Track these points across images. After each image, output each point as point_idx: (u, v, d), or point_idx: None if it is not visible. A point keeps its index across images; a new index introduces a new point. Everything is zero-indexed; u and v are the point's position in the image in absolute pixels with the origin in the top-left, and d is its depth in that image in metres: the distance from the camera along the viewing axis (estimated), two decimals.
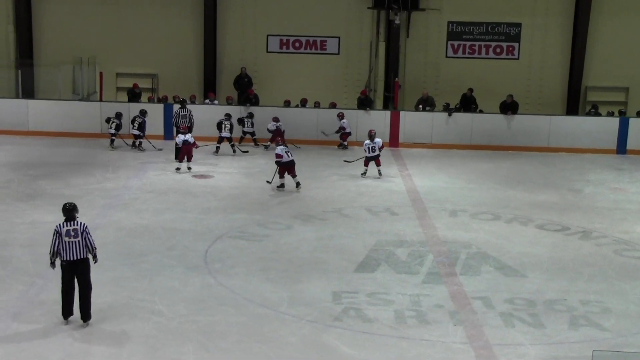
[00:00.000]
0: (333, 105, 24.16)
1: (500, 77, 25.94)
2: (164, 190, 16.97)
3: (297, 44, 26.32)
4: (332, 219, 15.18)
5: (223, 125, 21.21)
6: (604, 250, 13.71)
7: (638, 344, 9.82)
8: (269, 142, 21.94)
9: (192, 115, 21.40)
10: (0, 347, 9.09)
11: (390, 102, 24.93)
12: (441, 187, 18.32)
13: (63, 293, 9.76)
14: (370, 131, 19.25)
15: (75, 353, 9.03)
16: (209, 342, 9.41)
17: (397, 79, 24.78)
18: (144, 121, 21.41)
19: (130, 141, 21.62)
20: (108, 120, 21.83)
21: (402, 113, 23.62)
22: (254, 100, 23.78)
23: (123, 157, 20.46)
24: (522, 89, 25.69)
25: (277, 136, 21.11)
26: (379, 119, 23.26)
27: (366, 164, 18.89)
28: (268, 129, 22.12)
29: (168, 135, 22.41)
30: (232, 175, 18.84)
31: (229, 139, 21.26)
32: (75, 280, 9.72)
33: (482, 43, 26.21)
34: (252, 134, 22.57)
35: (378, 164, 18.84)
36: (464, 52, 26.27)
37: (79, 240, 9.64)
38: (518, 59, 26.23)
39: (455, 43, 26.25)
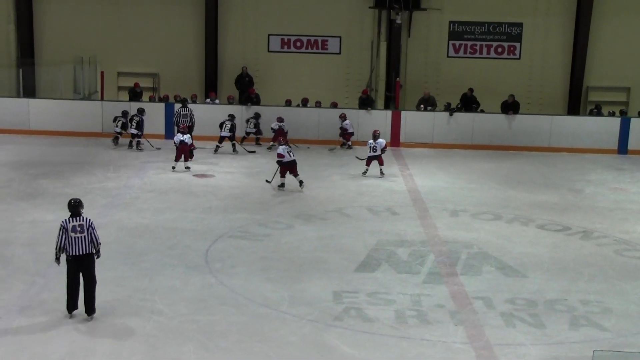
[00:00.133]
0: (334, 105, 24.15)
1: (501, 77, 25.94)
2: (164, 189, 16.97)
3: (298, 44, 26.32)
4: (333, 218, 15.18)
5: (224, 125, 21.23)
6: (605, 251, 13.70)
7: (638, 344, 9.81)
8: (271, 142, 21.95)
9: (193, 115, 21.41)
10: (2, 345, 9.09)
11: (392, 102, 24.93)
12: (442, 187, 18.31)
13: (68, 287, 9.88)
14: (374, 131, 19.29)
15: (75, 351, 9.03)
16: (210, 341, 9.41)
17: (398, 78, 24.78)
18: (142, 120, 21.39)
19: (128, 140, 21.60)
20: (115, 120, 21.81)
21: (403, 113, 23.62)
22: (255, 100, 23.77)
23: (124, 157, 20.47)
24: (524, 88, 25.69)
25: (279, 136, 21.15)
26: (380, 118, 23.27)
27: (368, 164, 18.91)
28: (272, 128, 22.16)
29: (169, 134, 22.40)
30: (233, 174, 18.84)
31: (230, 138, 21.27)
32: (80, 275, 9.84)
33: (484, 43, 26.21)
34: (255, 133, 22.58)
35: (381, 164, 18.86)
36: (465, 52, 26.27)
37: (84, 236, 9.77)
38: (519, 58, 26.23)
39: (457, 43, 26.25)
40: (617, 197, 17.93)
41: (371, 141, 18.88)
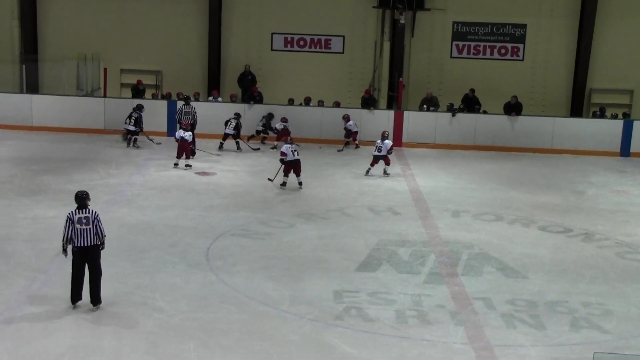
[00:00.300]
0: (337, 104, 24.16)
1: (504, 78, 25.91)
2: (166, 187, 16.98)
3: (301, 42, 26.32)
4: (334, 217, 15.18)
5: (229, 123, 21.28)
6: (606, 253, 13.70)
7: (639, 347, 9.81)
8: (275, 142, 21.97)
9: (195, 113, 21.41)
10: (3, 340, 9.10)
11: (394, 102, 24.91)
12: (444, 187, 18.31)
13: (73, 278, 10.05)
14: (383, 132, 19.42)
15: (77, 347, 9.04)
16: (210, 339, 9.42)
17: (401, 78, 24.75)
18: (140, 116, 21.34)
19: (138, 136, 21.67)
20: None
21: (405, 113, 23.60)
22: (257, 98, 23.78)
23: (126, 154, 20.47)
24: (526, 90, 25.67)
25: (283, 136, 21.18)
26: (383, 118, 23.26)
27: (372, 164, 18.93)
28: (275, 128, 22.18)
29: (171, 132, 22.38)
30: (235, 172, 18.85)
31: (234, 136, 21.30)
32: (86, 266, 10.02)
33: (487, 44, 26.18)
34: (263, 132, 22.60)
35: (387, 164, 18.92)
36: (468, 53, 26.24)
37: (90, 228, 9.97)
38: (522, 60, 26.20)
39: (460, 43, 26.23)
40: (619, 199, 17.92)
41: (379, 141, 18.94)
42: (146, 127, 21.54)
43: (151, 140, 21.55)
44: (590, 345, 9.54)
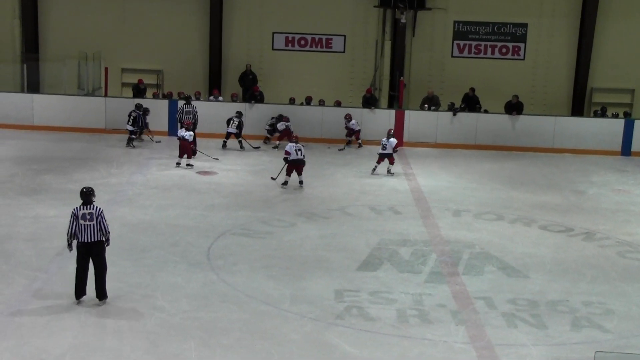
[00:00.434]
0: (338, 104, 24.15)
1: (505, 77, 25.90)
2: (167, 186, 16.98)
3: (302, 42, 26.31)
4: (335, 217, 15.18)
5: (231, 122, 21.31)
6: (607, 252, 13.69)
7: None
8: (277, 142, 21.97)
9: (196, 112, 21.40)
10: (4, 340, 9.11)
11: (395, 101, 24.91)
12: (445, 186, 18.31)
13: (77, 273, 10.16)
14: (388, 130, 19.51)
15: (77, 346, 9.04)
16: (211, 338, 9.42)
17: (402, 77, 24.76)
18: (139, 116, 21.32)
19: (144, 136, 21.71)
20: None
21: (406, 112, 23.60)
22: (258, 98, 23.78)
23: (127, 153, 20.47)
24: (528, 89, 25.66)
25: (285, 135, 21.19)
26: (384, 117, 23.26)
27: (378, 162, 18.96)
28: (277, 128, 22.18)
29: (172, 131, 22.40)
30: (236, 172, 18.84)
31: (236, 135, 21.33)
32: (91, 261, 10.16)
33: (488, 43, 26.17)
34: (268, 132, 22.63)
35: (391, 163, 18.93)
36: (469, 52, 26.23)
37: (93, 224, 10.10)
38: (524, 59, 26.18)
39: (461, 43, 26.21)
40: (620, 198, 17.92)
41: (384, 139, 18.96)
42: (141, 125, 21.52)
43: (151, 139, 21.54)
44: (592, 345, 9.54)
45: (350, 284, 11.50)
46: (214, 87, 25.51)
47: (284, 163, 17.38)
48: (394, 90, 25.26)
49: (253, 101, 23.50)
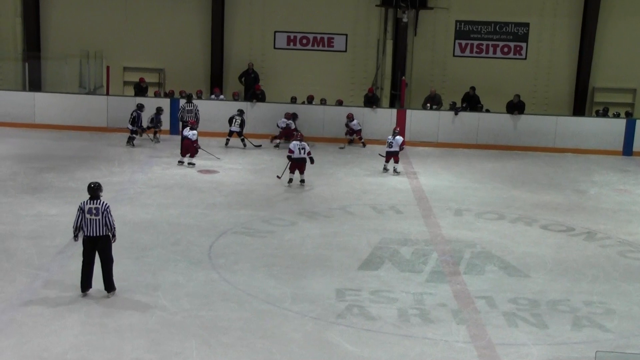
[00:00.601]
0: (339, 103, 24.15)
1: (507, 76, 25.91)
2: (169, 185, 16.99)
3: (304, 41, 26.31)
4: (336, 216, 15.18)
5: (233, 120, 21.33)
6: (608, 252, 13.68)
7: None
8: (278, 140, 21.99)
9: (197, 111, 21.42)
10: (5, 338, 9.11)
11: (397, 100, 24.91)
12: (446, 186, 18.31)
13: (83, 266, 10.34)
14: (394, 128, 19.62)
15: (78, 345, 9.04)
16: (212, 337, 9.42)
17: (404, 77, 24.76)
18: (139, 115, 21.27)
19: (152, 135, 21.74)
20: (149, 119, 21.76)
21: (408, 111, 23.60)
22: (260, 96, 23.78)
23: (129, 152, 20.49)
24: (529, 89, 25.66)
25: (285, 134, 21.19)
26: (386, 117, 23.26)
27: (387, 160, 18.99)
28: (277, 125, 22.20)
29: (174, 130, 22.43)
30: (237, 171, 18.85)
31: (239, 134, 21.36)
32: (97, 255, 10.33)
33: (490, 42, 26.17)
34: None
35: (396, 162, 18.94)
36: (471, 51, 26.23)
37: (99, 219, 10.26)
38: (525, 59, 26.18)
39: (463, 42, 26.21)
40: (621, 198, 17.91)
41: (390, 137, 18.99)
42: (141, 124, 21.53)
43: (152, 139, 21.54)
44: (592, 344, 9.53)
45: (351, 283, 11.50)
46: (216, 86, 25.51)
47: (287, 161, 17.38)
48: (395, 89, 25.27)
49: (255, 100, 23.51)
